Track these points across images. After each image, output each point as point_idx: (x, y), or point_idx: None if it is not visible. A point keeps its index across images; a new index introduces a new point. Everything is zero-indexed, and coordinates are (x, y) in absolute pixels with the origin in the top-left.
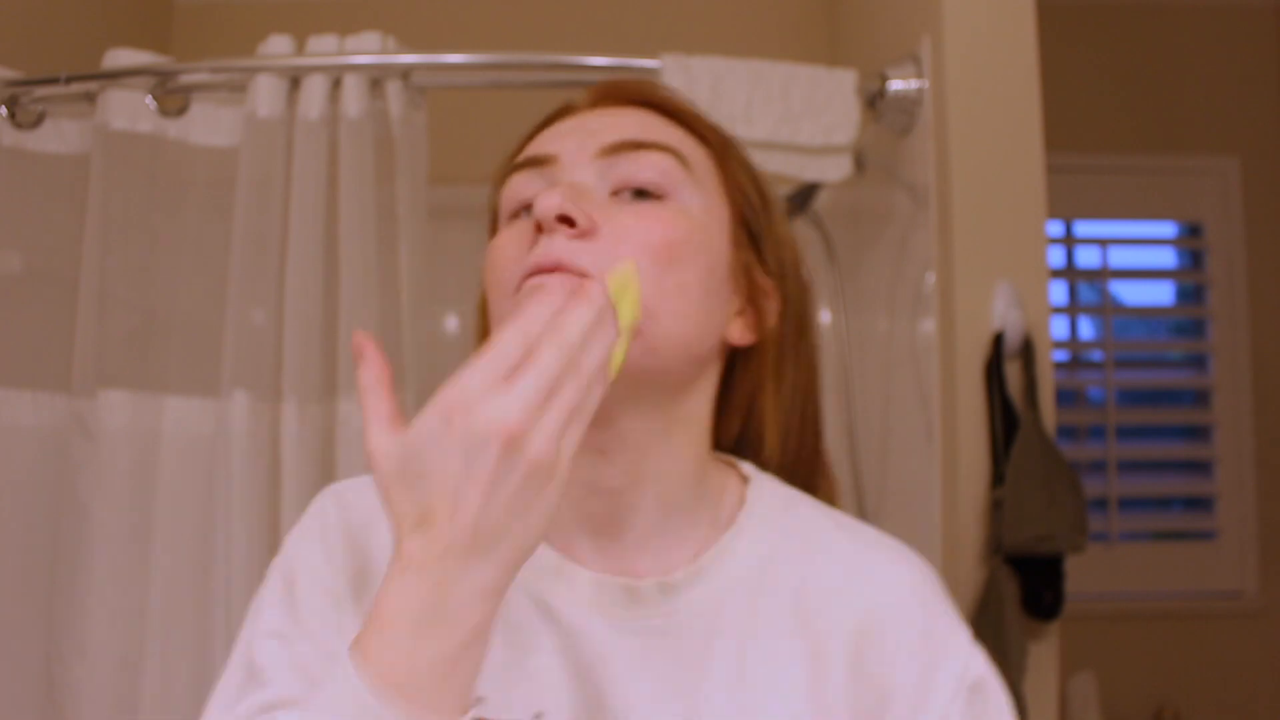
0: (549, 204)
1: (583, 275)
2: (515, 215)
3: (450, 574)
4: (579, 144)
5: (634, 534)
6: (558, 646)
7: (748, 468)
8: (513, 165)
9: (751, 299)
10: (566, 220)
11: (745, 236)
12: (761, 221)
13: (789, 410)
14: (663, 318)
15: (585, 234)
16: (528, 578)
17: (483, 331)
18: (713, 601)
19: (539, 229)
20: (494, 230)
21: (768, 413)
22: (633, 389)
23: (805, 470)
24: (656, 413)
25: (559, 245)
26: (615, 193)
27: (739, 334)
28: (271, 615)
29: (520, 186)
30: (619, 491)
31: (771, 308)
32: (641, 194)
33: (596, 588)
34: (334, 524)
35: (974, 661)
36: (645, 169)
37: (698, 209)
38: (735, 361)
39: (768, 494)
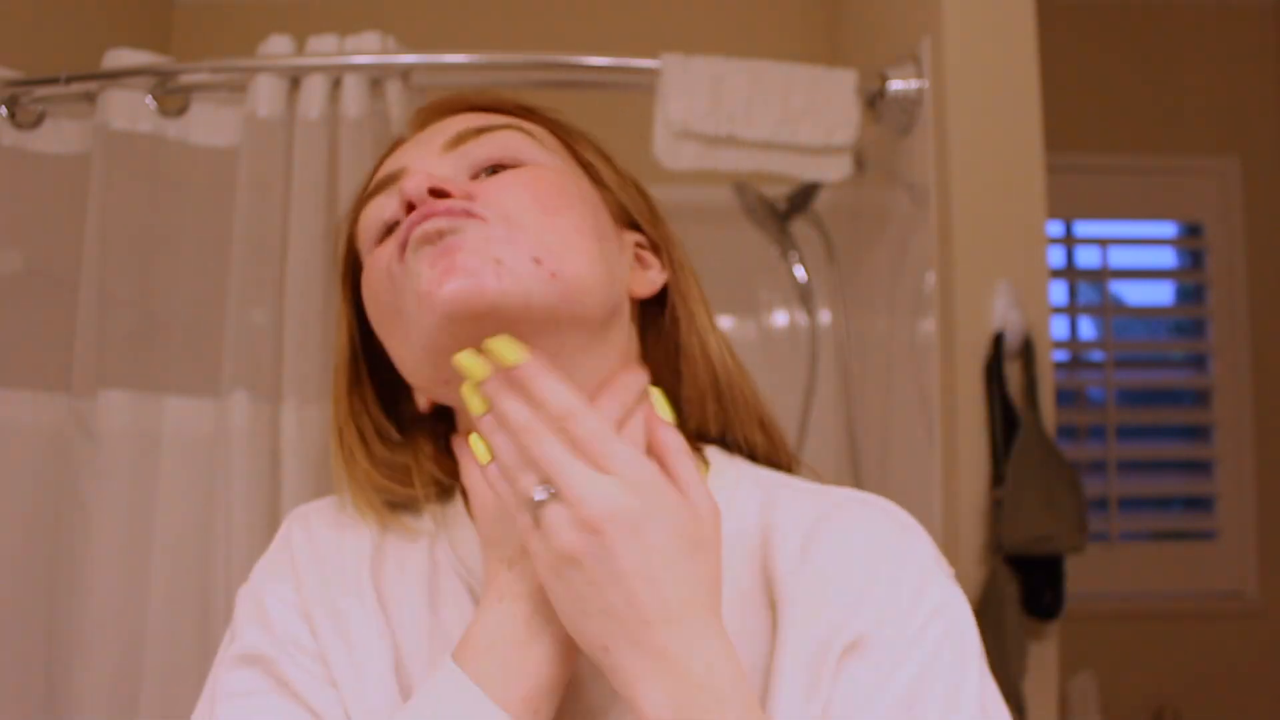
0: (414, 182)
1: (468, 197)
2: (380, 240)
3: (540, 603)
4: (422, 151)
5: None
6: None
7: (712, 451)
8: (363, 197)
9: (637, 253)
10: (438, 193)
11: (608, 196)
12: (614, 179)
13: (719, 357)
14: (567, 256)
15: (464, 199)
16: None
17: (350, 370)
18: None
19: (409, 210)
20: (346, 274)
21: (697, 360)
22: (554, 333)
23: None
24: (582, 357)
25: (440, 203)
26: (474, 176)
27: (642, 285)
28: (249, 637)
29: (378, 210)
30: None
31: (660, 258)
32: (497, 169)
33: None
34: (301, 550)
35: (944, 593)
36: (495, 147)
37: (557, 166)
38: (645, 322)
39: (728, 465)
